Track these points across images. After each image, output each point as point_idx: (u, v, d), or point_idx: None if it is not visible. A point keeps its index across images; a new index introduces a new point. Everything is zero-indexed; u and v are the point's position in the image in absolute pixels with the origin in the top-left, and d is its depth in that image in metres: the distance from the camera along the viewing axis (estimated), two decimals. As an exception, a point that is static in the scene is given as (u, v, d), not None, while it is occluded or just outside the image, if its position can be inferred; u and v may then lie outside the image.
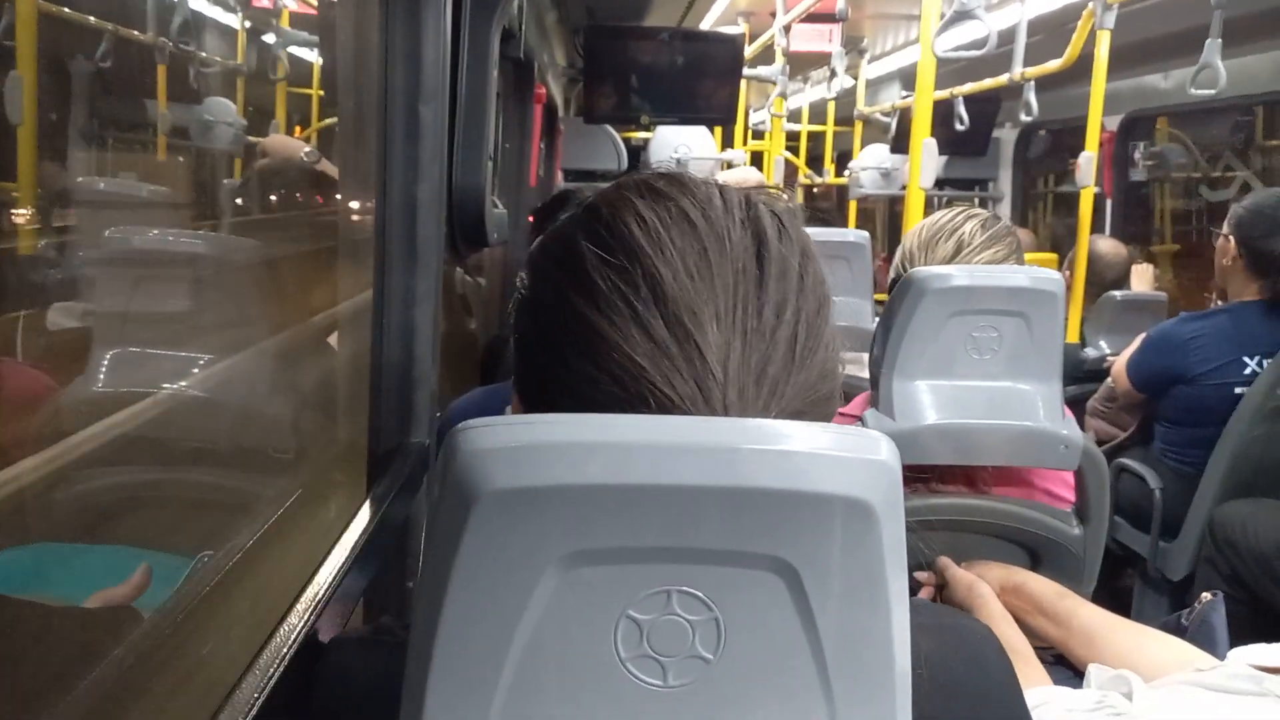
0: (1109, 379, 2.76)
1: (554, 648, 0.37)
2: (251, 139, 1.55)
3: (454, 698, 0.37)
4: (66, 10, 0.99)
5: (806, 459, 0.36)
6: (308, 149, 1.59)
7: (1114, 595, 2.62)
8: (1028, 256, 3.87)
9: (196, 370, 1.00)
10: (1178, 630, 1.06)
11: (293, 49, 1.64)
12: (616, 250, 0.47)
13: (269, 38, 1.56)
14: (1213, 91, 2.38)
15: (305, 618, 0.65)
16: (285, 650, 0.61)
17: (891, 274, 1.31)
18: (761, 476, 0.36)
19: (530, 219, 2.63)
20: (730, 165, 4.63)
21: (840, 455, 0.37)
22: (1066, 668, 1.07)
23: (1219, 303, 2.62)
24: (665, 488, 0.36)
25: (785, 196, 0.53)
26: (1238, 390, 2.34)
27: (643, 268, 0.45)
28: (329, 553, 0.77)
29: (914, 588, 1.20)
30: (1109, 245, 3.40)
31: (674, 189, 0.49)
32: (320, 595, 0.70)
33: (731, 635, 0.37)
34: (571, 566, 0.36)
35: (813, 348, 0.47)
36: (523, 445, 0.36)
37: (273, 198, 1.38)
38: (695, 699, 0.38)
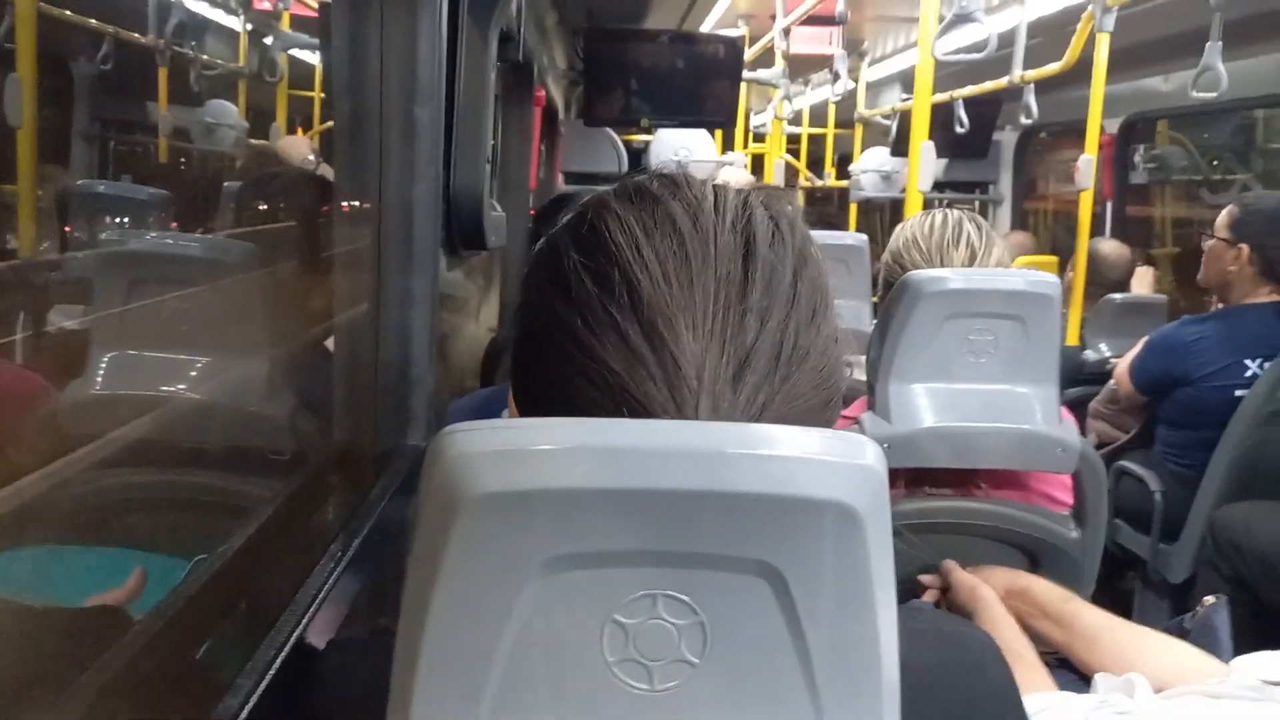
0: (1112, 381, 2.76)
1: (540, 651, 0.37)
2: (253, 141, 1.55)
3: (440, 702, 0.37)
4: (67, 12, 0.99)
5: (792, 463, 0.36)
6: (310, 154, 1.60)
7: (1115, 598, 2.62)
8: (1030, 260, 3.86)
9: (195, 373, 1.00)
10: (1180, 634, 1.06)
11: (294, 51, 1.65)
12: (597, 255, 0.46)
13: (269, 40, 1.56)
14: (1214, 94, 2.38)
15: (300, 620, 0.66)
16: (279, 652, 0.61)
17: (883, 275, 1.31)
18: (746, 481, 0.36)
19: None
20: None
21: (825, 460, 0.37)
22: (1070, 671, 1.07)
23: (1219, 305, 2.62)
24: (650, 492, 0.36)
25: (787, 198, 0.51)
26: (1238, 393, 2.34)
27: (621, 273, 0.45)
28: (324, 554, 0.77)
29: (919, 590, 1.20)
30: (1112, 246, 3.40)
31: (666, 191, 0.49)
32: (315, 597, 0.70)
33: (717, 639, 0.37)
34: (557, 570, 0.36)
35: (801, 356, 0.46)
36: (508, 449, 0.36)
37: (280, 202, 1.39)
38: (681, 703, 0.38)
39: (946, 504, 1.25)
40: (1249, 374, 2.37)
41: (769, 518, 0.36)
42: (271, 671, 0.59)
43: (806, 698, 0.38)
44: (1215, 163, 4.47)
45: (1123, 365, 2.66)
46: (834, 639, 0.38)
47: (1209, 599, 1.10)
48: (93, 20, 1.01)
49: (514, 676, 0.37)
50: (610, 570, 0.37)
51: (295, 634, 0.64)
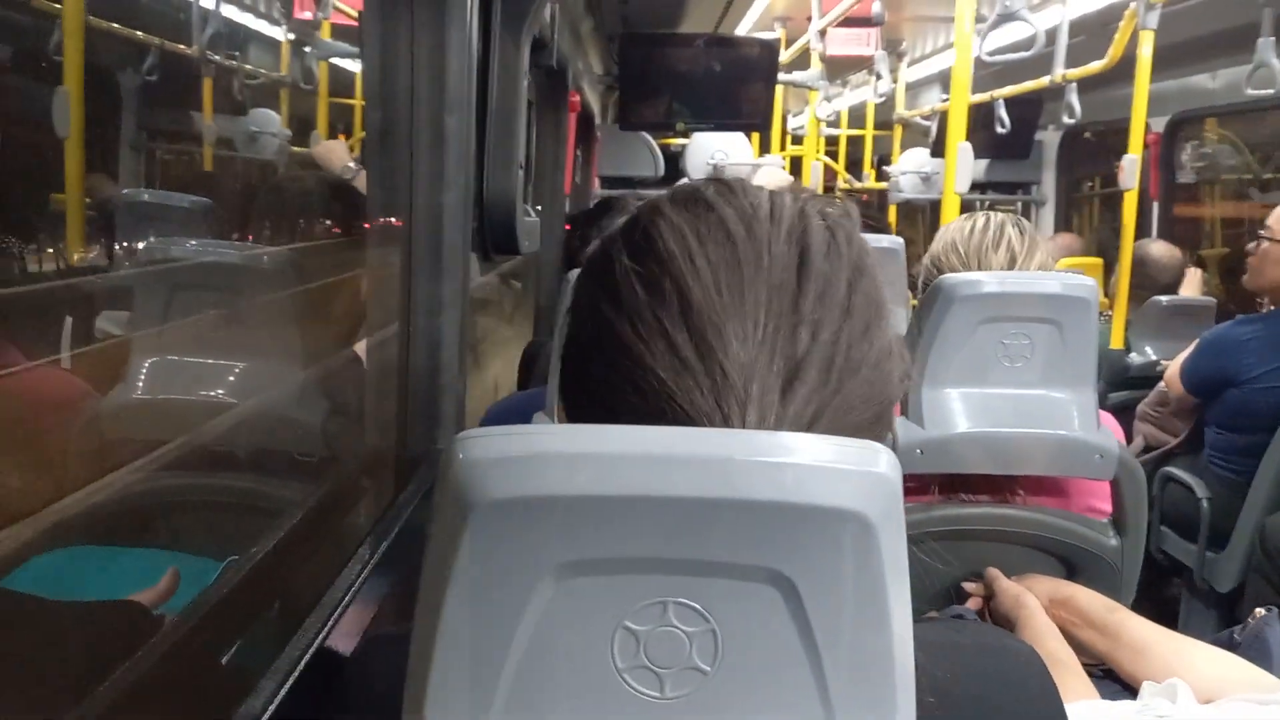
0: (1161, 383, 2.71)
1: (551, 658, 0.37)
2: (295, 149, 1.58)
3: (452, 707, 0.37)
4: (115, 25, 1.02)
5: (803, 471, 0.36)
6: (350, 162, 1.62)
7: (1160, 607, 2.56)
8: (1074, 261, 3.79)
9: (232, 379, 1.02)
10: (1230, 646, 1.04)
11: (335, 60, 1.68)
12: (648, 260, 0.46)
13: (307, 49, 1.59)
14: (1271, 90, 2.33)
15: (326, 621, 0.67)
16: (305, 652, 0.62)
17: (923, 278, 1.29)
18: (757, 488, 0.36)
19: (567, 226, 2.65)
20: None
21: (837, 467, 0.37)
22: (1115, 682, 1.05)
23: (1270, 307, 2.55)
24: (660, 499, 0.36)
25: (845, 209, 0.50)
26: (1291, 396, 2.28)
27: (672, 279, 0.45)
28: (353, 557, 0.78)
29: (962, 598, 1.18)
30: (1162, 248, 3.33)
31: (721, 198, 0.48)
32: (343, 599, 0.71)
33: (729, 647, 0.37)
34: (568, 577, 0.36)
35: (853, 369, 0.45)
36: (519, 456, 0.36)
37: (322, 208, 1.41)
38: (692, 711, 0.38)
39: (981, 511, 1.23)
40: (1302, 376, 2.31)
41: (781, 526, 0.36)
42: (299, 670, 0.60)
43: (818, 707, 0.38)
44: (1266, 161, 4.35)
45: (1174, 367, 2.60)
46: (847, 648, 0.38)
47: (1260, 611, 1.07)
48: (139, 32, 1.03)
49: (525, 682, 0.37)
50: (621, 577, 0.37)
51: (322, 635, 0.65)
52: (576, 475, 0.36)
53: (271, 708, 0.56)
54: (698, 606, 0.37)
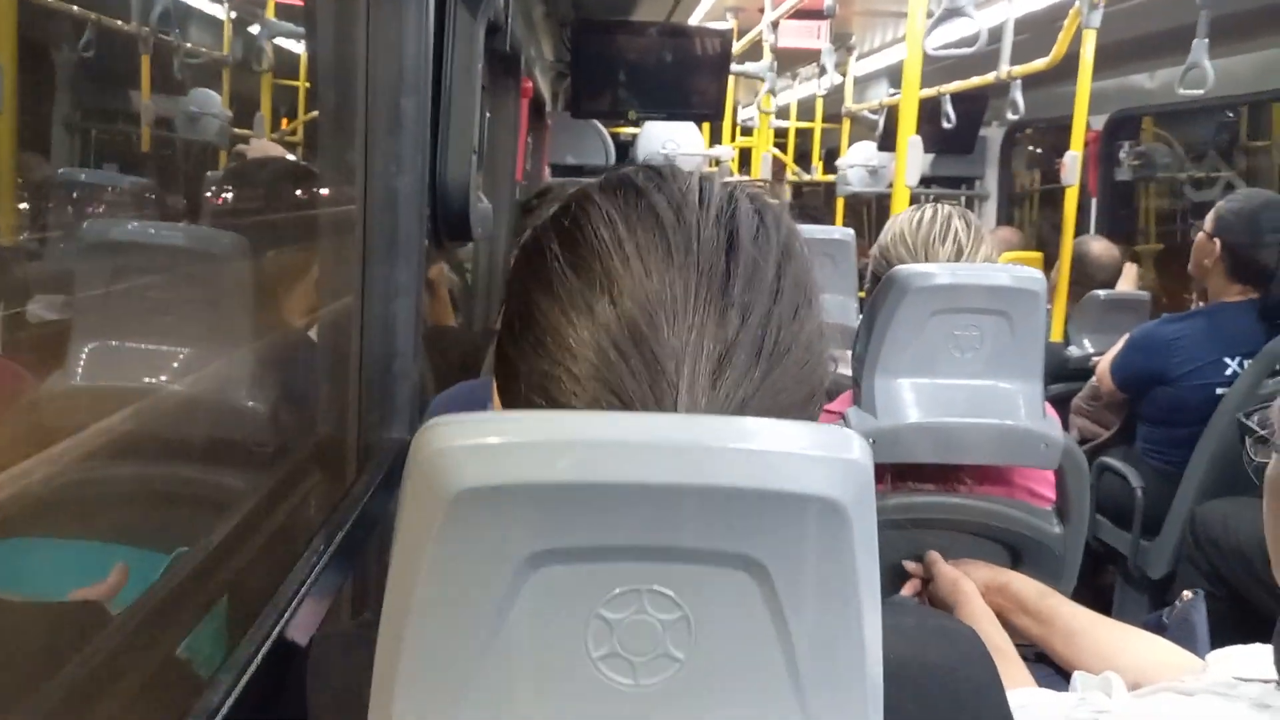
0: (1093, 378, 2.78)
1: (524, 647, 0.37)
2: (237, 130, 1.54)
3: (422, 697, 0.37)
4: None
5: (777, 458, 0.36)
6: (289, 158, 1.58)
7: (1095, 593, 2.64)
8: (1015, 255, 3.87)
9: (176, 365, 0.99)
10: (1158, 629, 1.07)
11: (279, 40, 1.63)
12: (579, 247, 0.46)
13: (255, 28, 1.55)
14: (1201, 91, 2.40)
15: (281, 614, 0.65)
16: (260, 647, 0.60)
17: (871, 269, 1.31)
18: (732, 475, 0.36)
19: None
20: (718, 162, 4.64)
21: (812, 454, 0.37)
22: (1047, 665, 1.09)
23: (1200, 303, 2.64)
24: (635, 486, 0.36)
25: (775, 192, 0.52)
26: (1219, 391, 2.36)
27: (602, 265, 0.45)
28: (306, 549, 0.76)
29: (904, 575, 1.21)
30: (1101, 245, 3.42)
31: (651, 184, 0.48)
32: (297, 592, 0.69)
33: (702, 634, 0.37)
34: (541, 565, 0.36)
35: (783, 351, 0.46)
36: (492, 443, 0.36)
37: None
38: (666, 698, 0.38)
39: (930, 499, 1.25)
40: (1229, 372, 2.39)
41: (754, 512, 0.36)
42: (253, 667, 0.59)
43: (790, 692, 0.38)
44: (1199, 160, 4.50)
45: (1104, 363, 2.68)
46: (818, 633, 0.38)
47: (1187, 594, 1.11)
48: (75, 7, 0.99)
49: (497, 672, 0.37)
50: (595, 565, 0.36)
51: (277, 629, 0.63)
52: (551, 462, 0.35)
53: (228, 704, 0.55)
54: (671, 594, 0.37)
